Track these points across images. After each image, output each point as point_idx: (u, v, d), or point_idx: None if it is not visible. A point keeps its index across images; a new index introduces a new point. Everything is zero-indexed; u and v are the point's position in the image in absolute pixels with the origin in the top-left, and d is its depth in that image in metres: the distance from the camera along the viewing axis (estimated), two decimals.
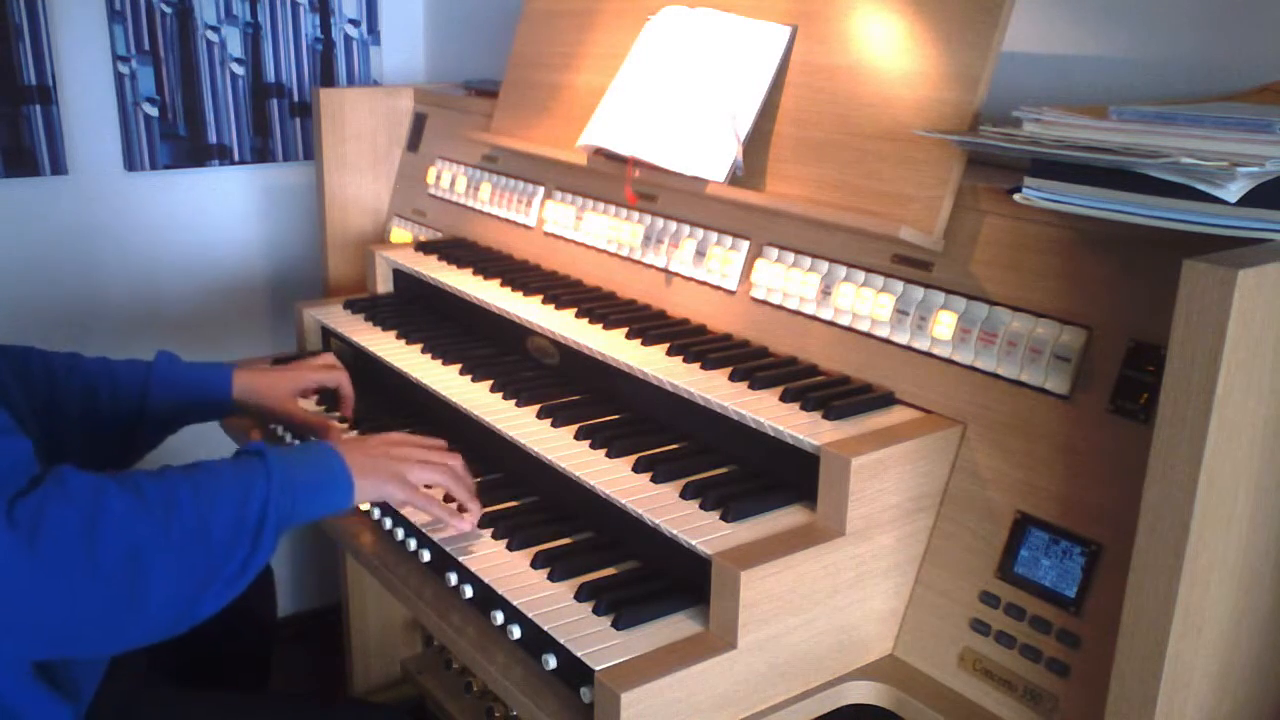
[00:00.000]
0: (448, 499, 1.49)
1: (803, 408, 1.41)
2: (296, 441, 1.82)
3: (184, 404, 1.69)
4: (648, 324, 1.72)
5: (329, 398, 1.90)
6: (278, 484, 1.25)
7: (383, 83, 2.97)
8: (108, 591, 1.12)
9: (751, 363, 1.55)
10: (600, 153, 1.85)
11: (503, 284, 1.96)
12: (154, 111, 2.63)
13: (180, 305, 2.79)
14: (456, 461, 1.47)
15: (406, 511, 1.53)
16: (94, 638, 1.16)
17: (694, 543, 1.28)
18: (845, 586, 1.30)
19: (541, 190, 2.12)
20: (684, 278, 1.78)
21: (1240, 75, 1.45)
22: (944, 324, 1.39)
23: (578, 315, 1.79)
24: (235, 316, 2.87)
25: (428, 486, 1.44)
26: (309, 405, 1.90)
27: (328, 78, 2.88)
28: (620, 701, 1.13)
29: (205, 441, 1.96)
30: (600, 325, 1.73)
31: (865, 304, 1.48)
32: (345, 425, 1.81)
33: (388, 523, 1.56)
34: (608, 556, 1.43)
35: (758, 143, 1.65)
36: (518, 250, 2.15)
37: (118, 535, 1.13)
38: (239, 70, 2.73)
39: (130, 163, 2.63)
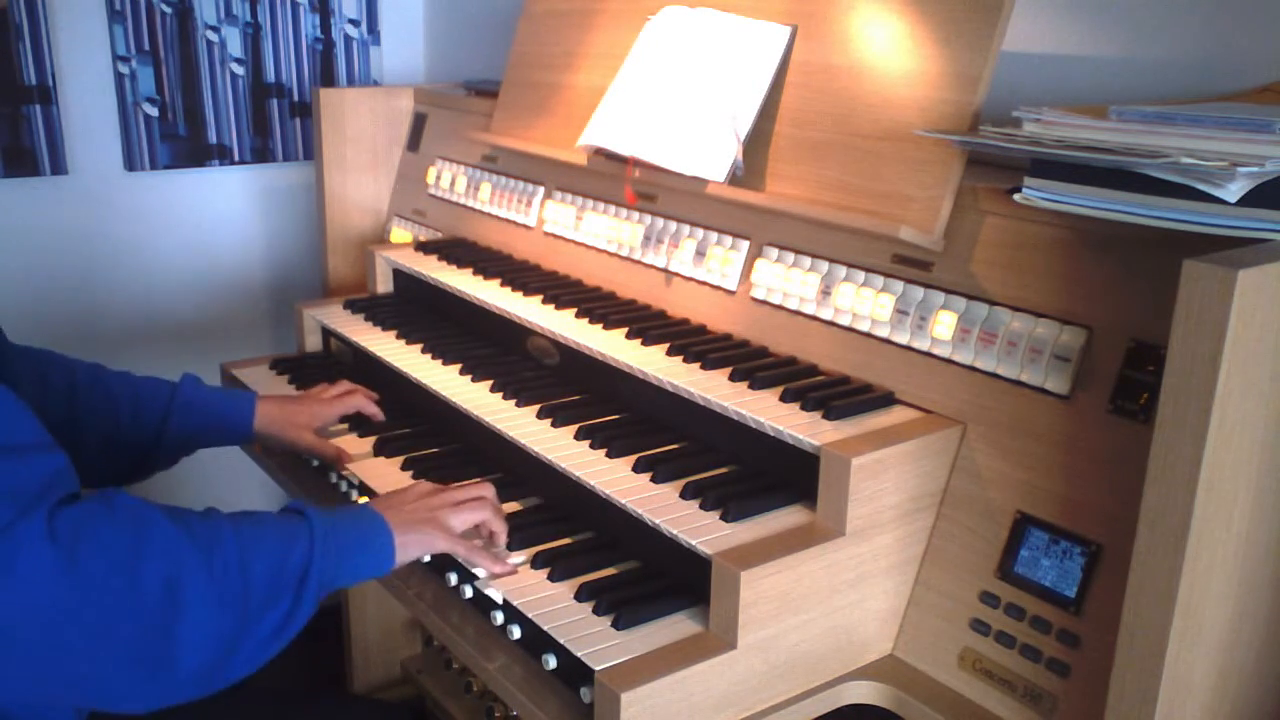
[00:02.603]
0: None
1: (803, 408, 1.41)
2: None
3: (204, 430, 1.68)
4: (648, 324, 1.72)
5: (350, 418, 1.84)
6: (320, 545, 1.22)
7: (383, 83, 2.97)
8: (143, 619, 1.07)
9: (751, 363, 1.55)
10: (600, 153, 1.85)
11: (503, 284, 1.96)
12: (154, 111, 2.63)
13: (180, 305, 2.79)
14: (489, 490, 1.46)
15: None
16: (119, 684, 1.09)
17: (694, 543, 1.28)
18: (845, 586, 1.30)
19: (541, 190, 2.12)
20: (684, 278, 1.78)
21: (1240, 75, 1.45)
22: (944, 324, 1.39)
23: (578, 315, 1.79)
24: (235, 316, 2.87)
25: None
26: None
27: (328, 78, 2.88)
28: (620, 701, 1.13)
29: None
30: (600, 325, 1.73)
31: (865, 304, 1.48)
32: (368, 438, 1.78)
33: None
34: (608, 556, 1.43)
35: (758, 143, 1.65)
36: (518, 250, 2.15)
37: (161, 562, 1.09)
38: (239, 70, 2.74)
39: (130, 163, 2.63)
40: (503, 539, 1.44)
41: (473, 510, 1.41)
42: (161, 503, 1.18)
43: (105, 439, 1.59)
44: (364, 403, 1.81)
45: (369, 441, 1.77)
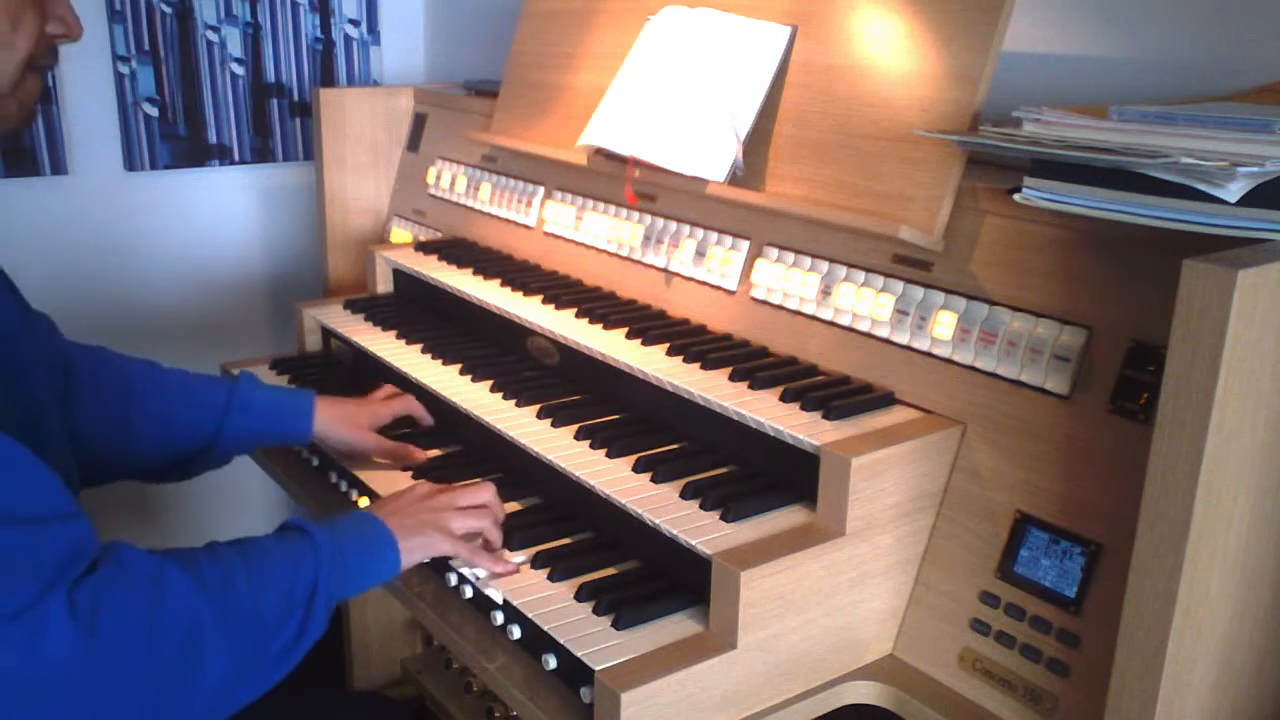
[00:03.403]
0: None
1: (803, 408, 1.41)
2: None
3: (262, 431, 1.65)
4: (648, 324, 1.72)
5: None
6: (327, 563, 1.23)
7: (383, 83, 2.97)
8: (162, 675, 1.09)
9: (751, 363, 1.55)
10: (600, 153, 1.85)
11: (503, 284, 1.96)
12: (154, 111, 2.63)
13: (180, 305, 2.79)
14: (490, 496, 1.46)
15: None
16: None
17: (694, 543, 1.28)
18: (845, 586, 1.30)
19: (541, 190, 2.12)
20: (684, 278, 1.78)
21: (1240, 75, 1.45)
22: (944, 324, 1.39)
23: (578, 315, 1.79)
24: (235, 316, 2.87)
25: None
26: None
27: (328, 78, 2.88)
28: (620, 701, 1.13)
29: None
30: (600, 325, 1.73)
31: (865, 304, 1.48)
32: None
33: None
34: (608, 556, 1.43)
35: (758, 143, 1.65)
36: (518, 250, 2.15)
37: (179, 617, 1.10)
38: (239, 70, 2.74)
39: (130, 163, 2.63)
40: (497, 547, 1.44)
41: (475, 517, 1.42)
42: (167, 549, 1.18)
43: (160, 438, 1.57)
44: (414, 404, 1.78)
45: None
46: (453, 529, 1.38)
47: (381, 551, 1.31)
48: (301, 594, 1.20)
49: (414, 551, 1.34)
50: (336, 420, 1.69)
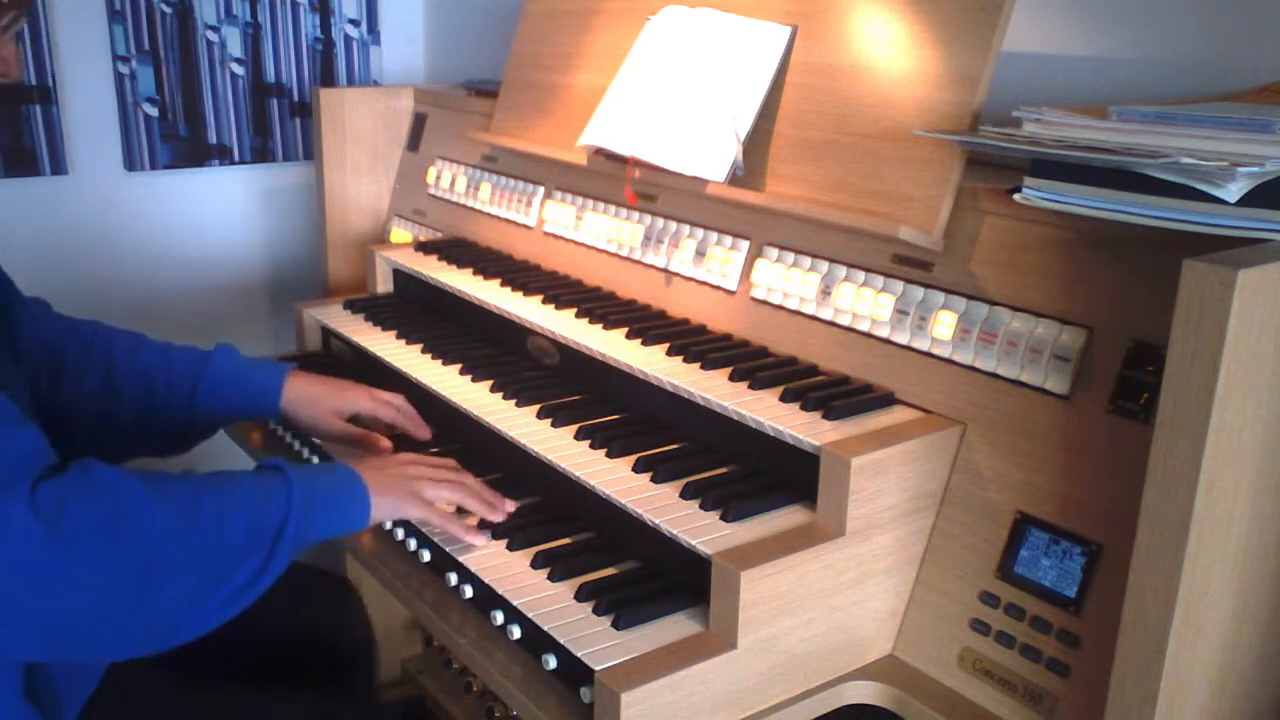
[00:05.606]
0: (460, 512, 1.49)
1: (803, 408, 1.41)
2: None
3: (234, 402, 1.66)
4: (648, 324, 1.72)
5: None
6: (298, 499, 1.24)
7: (383, 83, 2.97)
8: (120, 587, 1.10)
9: (751, 363, 1.55)
10: (600, 153, 1.85)
11: (503, 284, 1.96)
12: (154, 111, 2.63)
13: (180, 305, 2.79)
14: (468, 477, 1.48)
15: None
16: (94, 640, 1.13)
17: (694, 543, 1.28)
18: (845, 586, 1.30)
19: (541, 190, 2.12)
20: (684, 278, 1.78)
21: (1240, 75, 1.45)
22: (944, 324, 1.39)
23: (578, 315, 1.79)
24: (235, 316, 2.87)
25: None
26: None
27: (328, 78, 2.88)
28: (620, 701, 1.13)
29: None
30: (600, 325, 1.73)
31: (865, 304, 1.48)
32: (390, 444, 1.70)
33: (388, 523, 1.56)
34: (608, 556, 1.43)
35: (758, 143, 1.65)
36: (518, 250, 2.15)
37: (142, 531, 1.11)
38: (239, 70, 2.74)
39: (130, 163, 2.63)
40: (483, 514, 1.47)
41: (451, 489, 1.44)
42: (140, 470, 1.19)
43: (141, 410, 1.59)
44: (404, 419, 1.72)
45: None
46: (425, 494, 1.40)
47: (353, 499, 1.34)
48: (269, 527, 1.21)
49: (385, 507, 1.37)
50: (304, 398, 1.68)
